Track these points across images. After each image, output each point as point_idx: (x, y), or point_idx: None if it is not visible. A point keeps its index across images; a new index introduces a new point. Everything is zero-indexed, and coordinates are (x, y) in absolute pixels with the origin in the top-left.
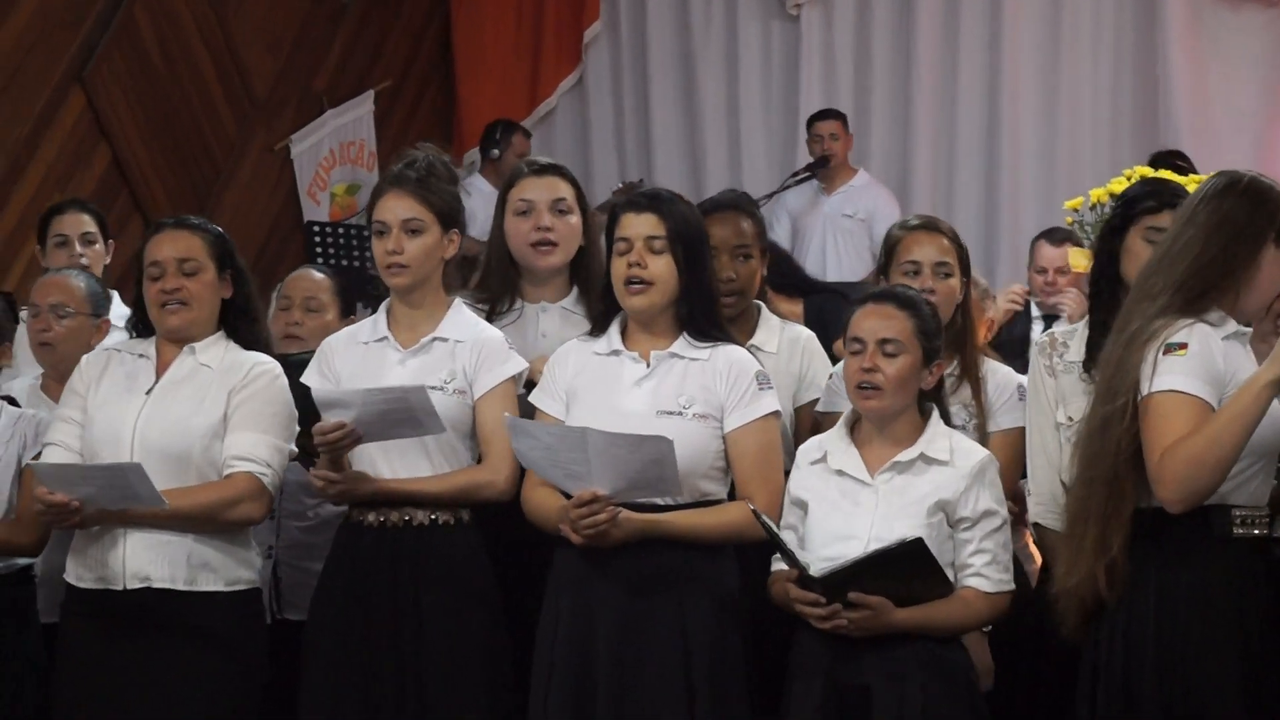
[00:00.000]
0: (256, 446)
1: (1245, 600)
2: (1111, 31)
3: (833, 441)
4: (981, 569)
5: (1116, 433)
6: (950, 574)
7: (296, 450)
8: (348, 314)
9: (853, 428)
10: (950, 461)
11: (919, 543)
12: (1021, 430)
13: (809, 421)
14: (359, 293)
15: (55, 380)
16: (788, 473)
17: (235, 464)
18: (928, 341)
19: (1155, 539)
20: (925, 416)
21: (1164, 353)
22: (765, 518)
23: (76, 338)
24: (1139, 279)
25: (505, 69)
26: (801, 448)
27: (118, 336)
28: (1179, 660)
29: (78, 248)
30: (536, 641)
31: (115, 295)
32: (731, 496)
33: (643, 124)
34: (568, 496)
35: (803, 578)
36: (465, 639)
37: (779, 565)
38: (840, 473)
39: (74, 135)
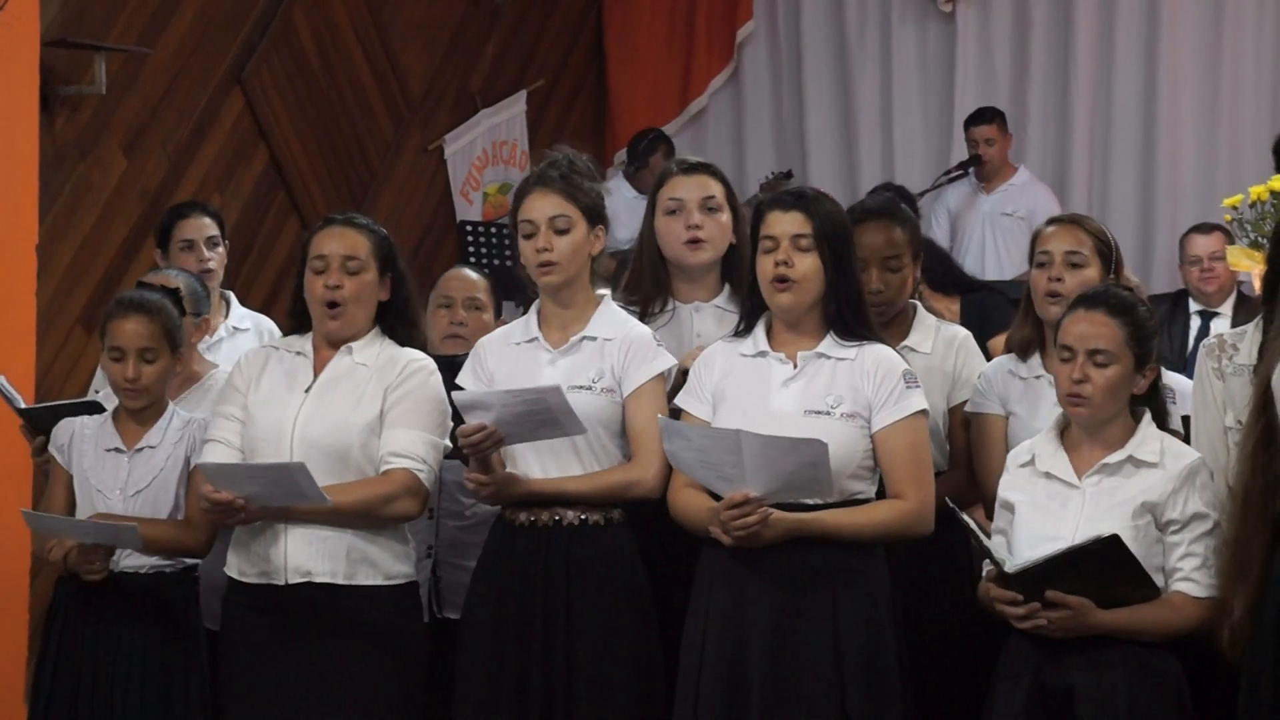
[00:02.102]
0: (413, 443)
1: None
2: (1273, 26)
3: (1042, 444)
4: (1191, 573)
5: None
6: (1160, 579)
7: (451, 446)
8: (499, 314)
9: (1063, 431)
10: (1160, 464)
11: (1115, 539)
12: (1172, 433)
13: (957, 421)
14: (509, 292)
15: None
16: (939, 472)
17: (392, 460)
18: (1140, 347)
19: None
20: (1137, 419)
21: None
22: (964, 514)
23: None
24: (1267, 293)
25: (657, 68)
26: (1011, 452)
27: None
28: None
29: (204, 251)
30: (684, 638)
31: (233, 296)
32: (880, 495)
33: (797, 123)
34: (715, 496)
35: (1001, 575)
36: (616, 640)
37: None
38: (1048, 475)
39: (233, 136)
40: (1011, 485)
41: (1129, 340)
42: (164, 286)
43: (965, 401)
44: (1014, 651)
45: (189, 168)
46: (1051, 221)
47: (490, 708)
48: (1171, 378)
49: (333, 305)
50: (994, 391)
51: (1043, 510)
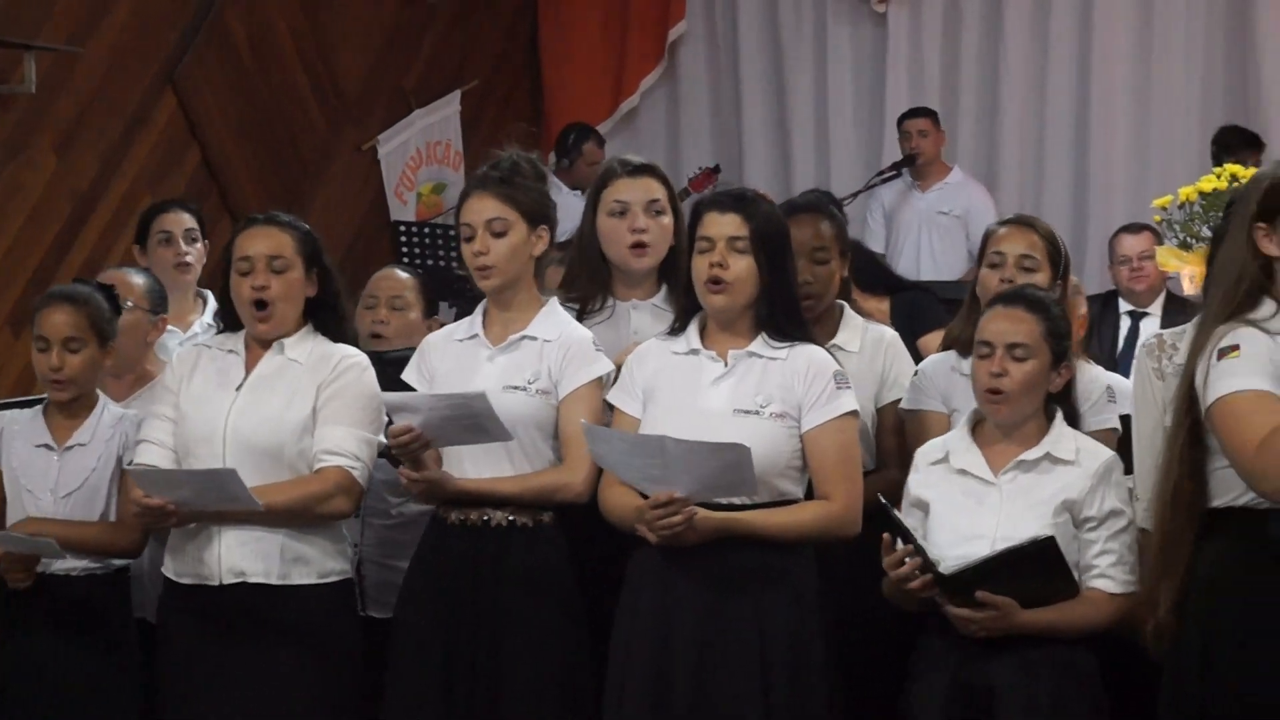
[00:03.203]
0: (346, 440)
1: None
2: (1203, 27)
3: (955, 441)
4: (1107, 570)
5: (1177, 448)
6: (1075, 575)
7: (385, 443)
8: (431, 313)
9: (974, 428)
10: (1076, 461)
11: (1051, 541)
12: (1110, 431)
13: (892, 421)
14: (443, 292)
15: (111, 375)
16: (867, 472)
17: (326, 458)
18: (1056, 343)
19: (1213, 539)
20: (1049, 417)
21: (1217, 359)
22: (896, 513)
23: (133, 332)
24: (1203, 293)
25: (591, 68)
26: (920, 449)
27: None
28: (1219, 664)
29: (182, 245)
30: (611, 638)
31: (209, 294)
32: (808, 496)
33: (732, 122)
34: (646, 495)
35: (935, 576)
36: (544, 641)
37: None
38: (963, 472)
39: (165, 136)
40: (924, 483)
41: (1046, 336)
42: (101, 284)
43: (894, 401)
44: (929, 649)
45: (120, 167)
46: (1005, 223)
47: (418, 707)
48: (1111, 377)
49: (261, 306)
50: (935, 389)
51: (960, 508)
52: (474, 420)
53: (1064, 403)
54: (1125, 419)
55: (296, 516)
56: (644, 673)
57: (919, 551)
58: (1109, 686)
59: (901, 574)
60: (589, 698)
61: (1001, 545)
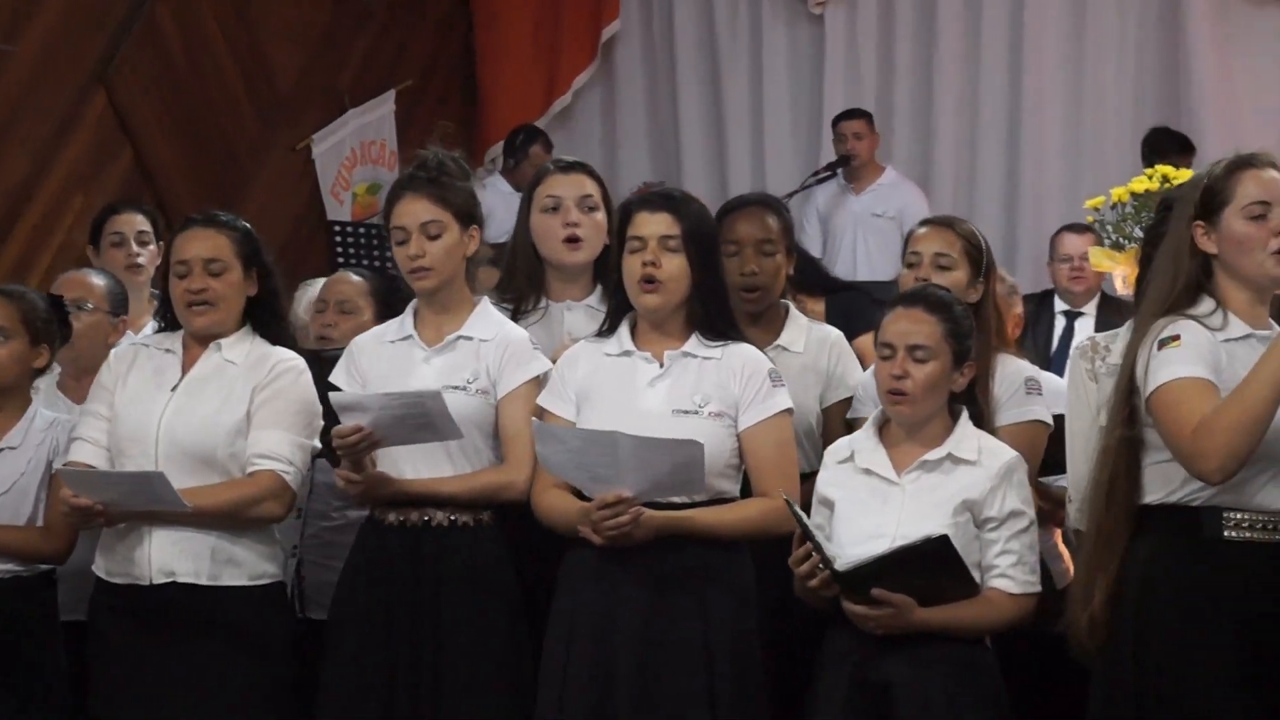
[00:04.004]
0: (279, 444)
1: (1233, 603)
2: (1135, 30)
3: (860, 441)
4: (1007, 570)
5: (1112, 444)
6: (976, 575)
7: (319, 447)
8: (387, 316)
9: (881, 428)
10: (978, 461)
11: (944, 540)
12: (1029, 425)
13: (837, 421)
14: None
15: (72, 377)
16: (803, 472)
17: (258, 462)
18: (958, 344)
19: (1145, 535)
20: (954, 417)
21: (1158, 348)
22: (797, 509)
23: (94, 334)
24: (1141, 292)
25: (525, 68)
26: (829, 448)
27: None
28: (1155, 657)
29: (134, 246)
30: (547, 639)
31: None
32: (745, 494)
33: (669, 122)
34: (582, 496)
35: (832, 573)
36: (485, 641)
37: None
38: (868, 472)
39: (97, 135)
40: (830, 482)
41: (947, 336)
42: (52, 295)
43: (840, 401)
44: (834, 644)
45: (51, 166)
46: (925, 223)
47: (358, 707)
48: (1034, 370)
49: (199, 305)
50: (870, 396)
51: (863, 507)
52: (426, 419)
53: (970, 402)
54: (1060, 418)
55: (226, 519)
56: (586, 673)
57: (817, 548)
58: (1012, 685)
59: (803, 571)
60: (530, 698)
61: (900, 544)
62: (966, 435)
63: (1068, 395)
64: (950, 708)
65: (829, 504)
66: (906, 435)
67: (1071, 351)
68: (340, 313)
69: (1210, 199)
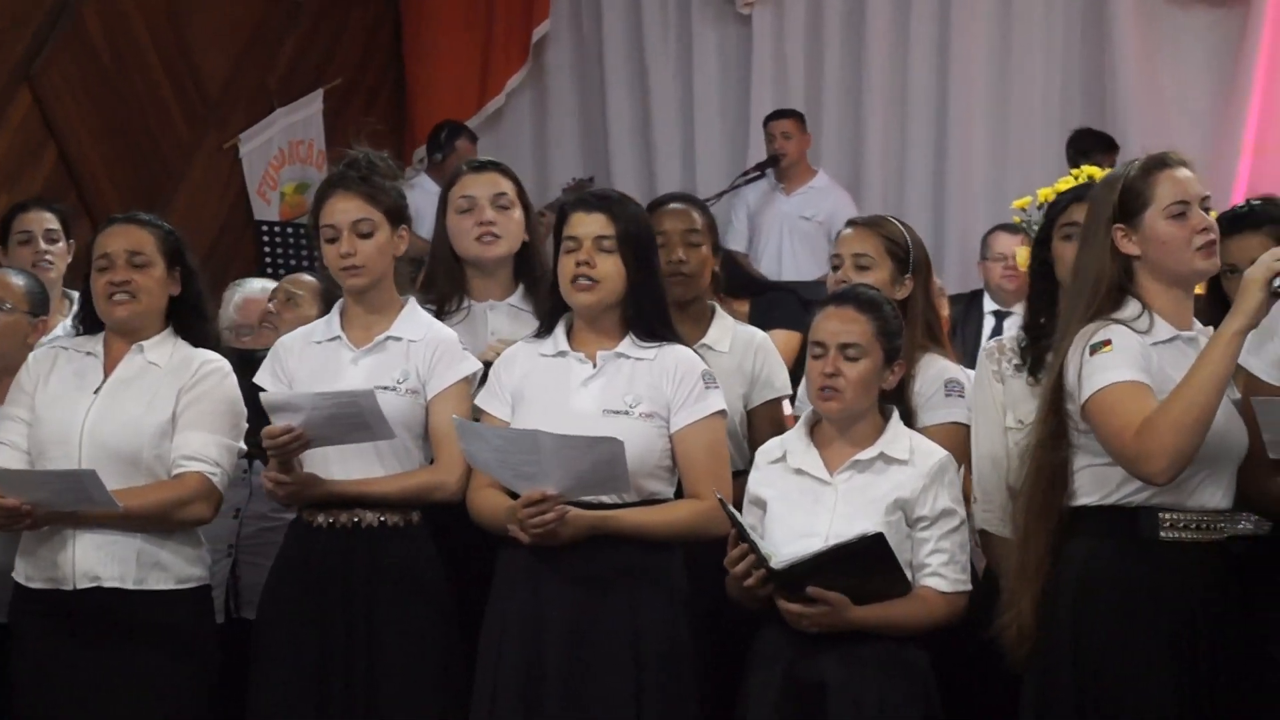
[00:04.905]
0: (206, 446)
1: (1171, 603)
2: (1061, 32)
3: (792, 441)
4: (939, 568)
5: (1040, 450)
6: (908, 574)
7: (245, 449)
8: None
9: (813, 428)
10: (910, 461)
11: (879, 538)
12: (947, 426)
13: (763, 422)
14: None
15: None
16: (736, 472)
17: (185, 464)
18: (889, 343)
19: (1080, 537)
20: (886, 417)
21: (1089, 354)
22: (731, 508)
23: (12, 334)
24: (1063, 304)
25: (456, 68)
26: (761, 448)
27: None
28: (1093, 658)
29: (42, 244)
30: (481, 640)
31: (76, 296)
32: (678, 495)
33: (599, 123)
34: (514, 496)
35: (769, 571)
36: (416, 639)
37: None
38: (800, 472)
39: (21, 135)
40: (762, 482)
41: (878, 335)
42: None
43: (765, 402)
44: (766, 642)
45: None
46: (850, 223)
47: (288, 709)
48: (957, 371)
49: (120, 295)
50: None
51: (796, 506)
52: (359, 419)
53: (900, 401)
54: None
55: (154, 521)
56: (516, 672)
57: (752, 547)
58: (944, 684)
59: (739, 571)
60: (463, 698)
61: (834, 542)
62: (898, 435)
63: (974, 395)
64: (881, 707)
65: (761, 504)
66: (838, 435)
67: (980, 353)
68: (284, 302)
69: (1130, 201)
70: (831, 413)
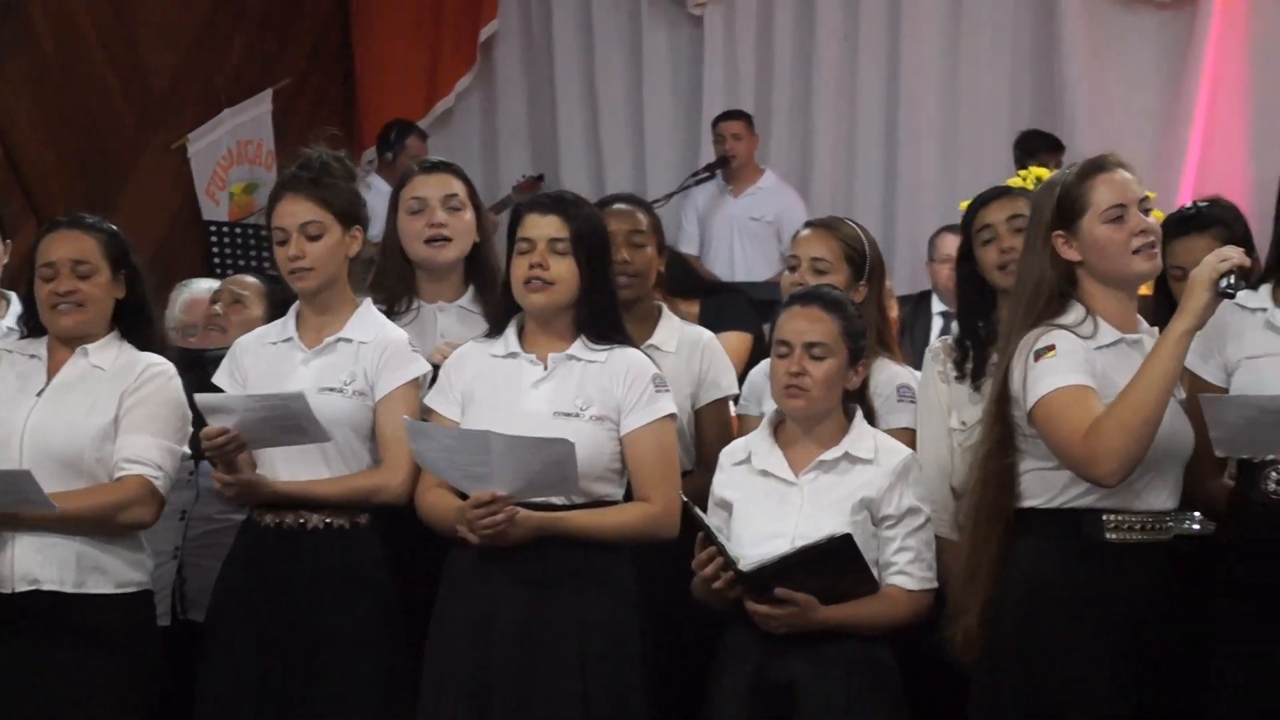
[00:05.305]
0: (148, 449)
1: (1116, 604)
2: (1010, 33)
3: (756, 442)
4: (905, 567)
5: (987, 454)
6: (875, 573)
7: (189, 452)
8: (277, 318)
9: (776, 428)
10: (875, 460)
11: (847, 538)
12: (904, 430)
13: (710, 422)
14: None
15: None
16: (685, 473)
17: (126, 467)
18: (853, 342)
19: (1026, 540)
20: (849, 416)
21: (1034, 360)
22: (698, 511)
23: None
24: (1004, 311)
25: (404, 68)
26: (725, 450)
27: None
28: (1039, 659)
29: None
30: (428, 640)
31: (14, 296)
32: (628, 498)
33: (548, 124)
34: (463, 496)
35: (737, 573)
36: (358, 641)
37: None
38: (765, 473)
39: None
40: (727, 483)
41: (843, 335)
42: None
43: (712, 402)
44: (734, 642)
45: None
46: (810, 224)
47: (232, 710)
48: (909, 375)
49: (66, 306)
50: (754, 393)
51: (762, 508)
52: (292, 421)
53: (862, 401)
54: None
55: (95, 525)
56: (463, 673)
57: (720, 550)
58: (910, 684)
59: (707, 573)
60: (407, 700)
61: (801, 543)
62: (862, 434)
63: (919, 396)
64: (850, 706)
65: (727, 506)
66: (803, 435)
67: (925, 353)
68: (230, 303)
69: (1067, 207)
70: (797, 411)
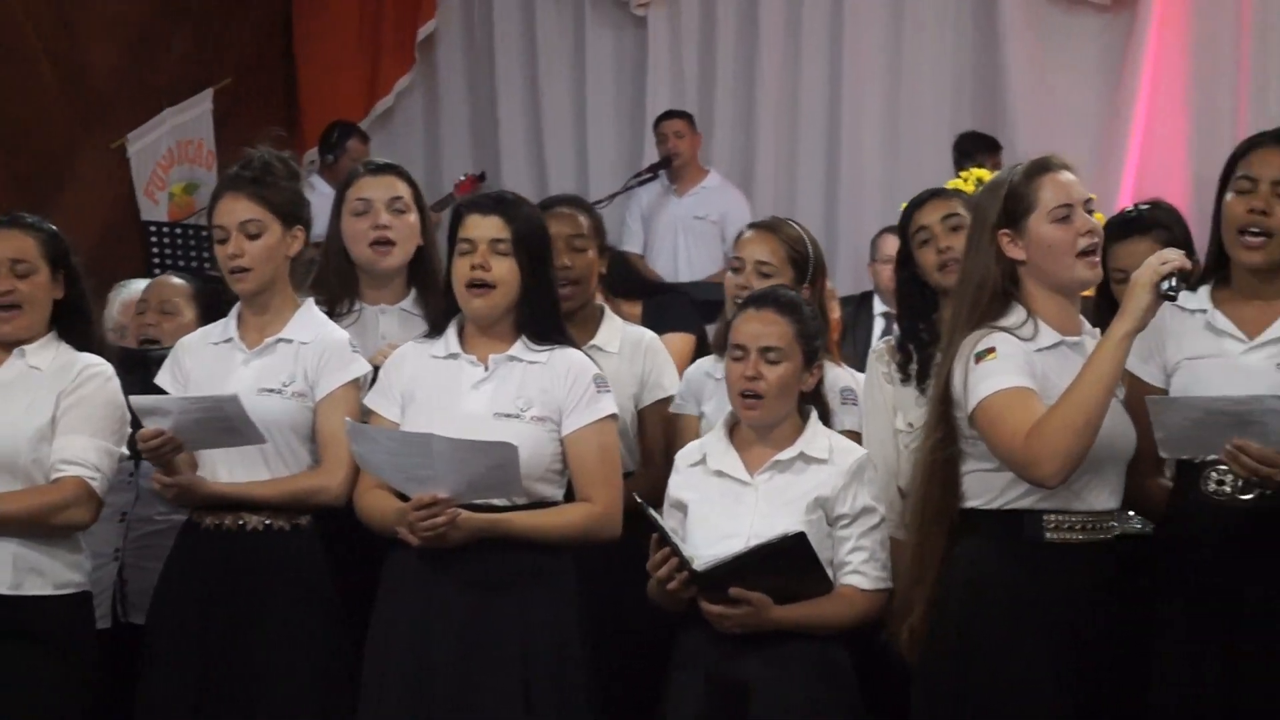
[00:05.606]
0: (85, 450)
1: (1056, 604)
2: (952, 35)
3: (712, 444)
4: (860, 566)
5: (930, 455)
6: (830, 572)
7: (129, 453)
8: (209, 320)
9: (732, 430)
10: (829, 460)
11: (800, 537)
12: (847, 433)
13: (652, 423)
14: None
15: None
16: (627, 474)
17: (64, 468)
18: (808, 344)
19: (968, 540)
20: (804, 417)
21: (975, 362)
22: (652, 512)
23: None
24: (946, 312)
25: (345, 68)
26: (680, 452)
27: None
28: (980, 659)
29: None
30: (368, 642)
31: None
32: (569, 499)
33: (490, 124)
34: (404, 498)
35: (691, 573)
36: (300, 646)
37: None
38: (720, 474)
39: None
40: (683, 485)
41: (798, 337)
42: None
43: (655, 403)
44: (689, 643)
45: None
46: (753, 226)
47: (171, 712)
48: (851, 377)
49: (5, 310)
50: (690, 392)
51: (717, 508)
52: (226, 423)
53: (817, 401)
54: None
55: (31, 526)
56: (404, 675)
57: (675, 550)
58: (865, 683)
59: (661, 575)
60: (348, 701)
61: (755, 543)
62: (817, 434)
63: (864, 396)
64: (805, 705)
65: (682, 507)
66: (758, 437)
67: (870, 354)
68: (161, 313)
69: (1014, 206)
70: (753, 421)
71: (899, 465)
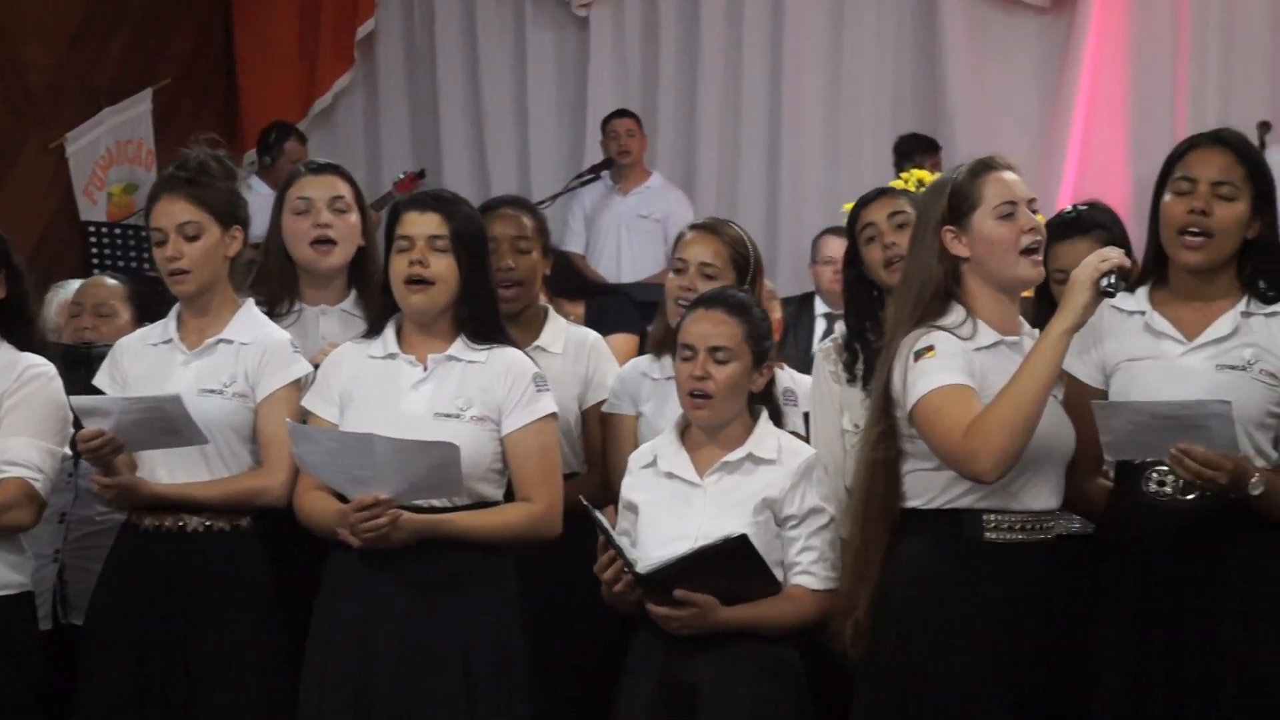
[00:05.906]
0: (28, 451)
1: (995, 602)
2: (892, 37)
3: (663, 445)
4: (809, 566)
5: (871, 453)
6: (779, 573)
7: (71, 454)
8: (145, 321)
9: (683, 431)
10: (778, 460)
11: (743, 539)
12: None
13: (596, 423)
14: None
15: None
16: (570, 474)
17: (6, 469)
18: (757, 345)
19: (909, 539)
20: (754, 417)
21: (914, 360)
22: (598, 514)
23: None
24: (889, 310)
25: (285, 68)
26: (633, 454)
27: None
28: (919, 658)
29: None
30: (309, 643)
31: None
32: (509, 499)
33: (431, 123)
34: (343, 499)
35: (635, 576)
36: (240, 648)
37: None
38: (670, 475)
39: None
40: (635, 486)
41: (747, 338)
42: None
43: (598, 403)
44: (640, 646)
45: None
46: (694, 227)
47: (110, 715)
48: (796, 378)
49: None
50: (626, 392)
51: (667, 509)
52: (168, 423)
53: (769, 402)
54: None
55: None
56: (345, 677)
57: (619, 552)
58: (815, 685)
59: (607, 577)
60: (288, 703)
61: (702, 544)
62: (766, 435)
63: (811, 395)
64: (754, 707)
65: (634, 508)
66: (708, 438)
67: (815, 353)
68: (97, 316)
69: (959, 203)
70: (702, 421)
71: (845, 464)
